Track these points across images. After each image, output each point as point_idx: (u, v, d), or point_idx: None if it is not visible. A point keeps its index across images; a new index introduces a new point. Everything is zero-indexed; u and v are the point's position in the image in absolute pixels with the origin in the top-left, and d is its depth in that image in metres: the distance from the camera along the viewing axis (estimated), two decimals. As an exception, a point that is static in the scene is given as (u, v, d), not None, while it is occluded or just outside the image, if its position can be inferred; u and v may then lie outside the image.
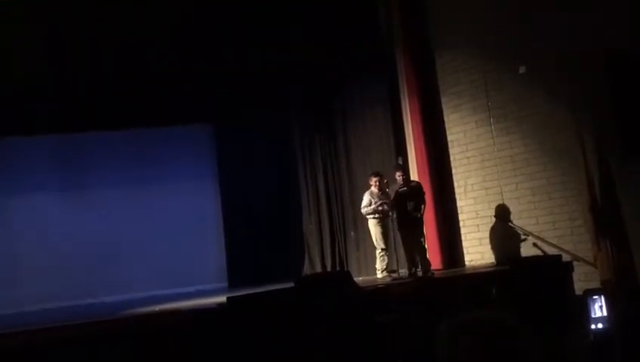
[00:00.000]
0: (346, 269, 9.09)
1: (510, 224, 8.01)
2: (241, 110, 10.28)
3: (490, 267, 7.92)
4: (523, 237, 7.94)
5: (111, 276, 9.88)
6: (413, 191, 7.64)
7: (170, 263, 10.15)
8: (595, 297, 3.89)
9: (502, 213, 8.16)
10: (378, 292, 6.32)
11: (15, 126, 9.44)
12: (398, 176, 7.72)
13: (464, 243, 8.51)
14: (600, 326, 3.79)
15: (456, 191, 8.64)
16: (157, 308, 7.11)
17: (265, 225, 10.23)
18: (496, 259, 8.11)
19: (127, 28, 8.64)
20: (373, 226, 7.90)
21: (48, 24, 8.36)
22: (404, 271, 7.73)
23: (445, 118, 8.74)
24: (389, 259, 7.87)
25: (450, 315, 1.52)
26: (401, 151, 8.79)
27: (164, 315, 6.69)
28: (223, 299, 6.23)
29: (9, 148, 9.98)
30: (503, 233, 8.18)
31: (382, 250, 7.89)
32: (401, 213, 7.62)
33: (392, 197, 7.78)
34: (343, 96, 9.91)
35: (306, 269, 9.86)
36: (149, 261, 10.13)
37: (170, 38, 8.90)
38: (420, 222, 7.67)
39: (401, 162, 8.47)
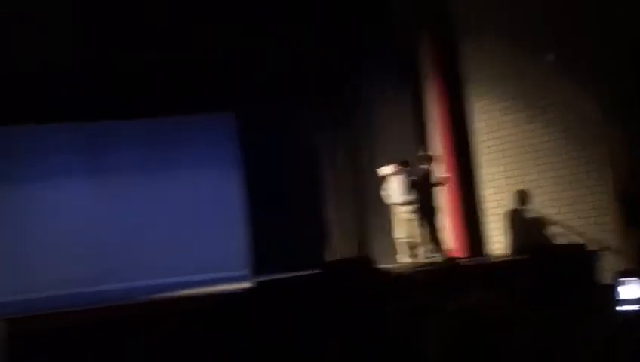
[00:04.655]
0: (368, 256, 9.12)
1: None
2: (263, 98, 10.33)
3: (511, 255, 7.92)
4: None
5: (134, 261, 10.04)
6: (424, 179, 7.71)
7: (192, 250, 10.28)
8: (623, 279, 3.88)
9: (521, 200, 8.15)
10: (397, 279, 6.34)
11: (42, 113, 9.63)
12: (420, 165, 7.77)
13: (487, 232, 8.52)
14: (630, 307, 3.77)
15: (480, 179, 8.63)
16: (178, 292, 7.20)
17: (287, 213, 10.27)
18: (513, 246, 8.10)
19: (152, 15, 8.70)
20: (394, 214, 7.95)
21: (73, 11, 8.43)
22: (426, 258, 7.77)
23: (469, 106, 8.71)
24: (414, 247, 7.88)
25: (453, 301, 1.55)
26: (424, 139, 8.80)
27: (189, 299, 6.78)
28: (245, 285, 6.29)
29: (35, 134, 10.19)
30: (523, 220, 8.17)
31: (401, 238, 7.93)
32: (419, 201, 7.69)
33: (411, 185, 7.84)
34: (366, 84, 9.90)
35: (328, 257, 9.91)
36: (171, 247, 10.27)
37: (193, 27, 8.95)
38: (433, 210, 7.73)
39: (423, 151, 8.48)
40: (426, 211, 7.68)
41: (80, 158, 10.34)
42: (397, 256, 8.12)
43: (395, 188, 8.05)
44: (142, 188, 10.53)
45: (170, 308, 6.17)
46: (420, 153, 8.33)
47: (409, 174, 8.00)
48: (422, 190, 7.71)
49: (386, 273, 2.56)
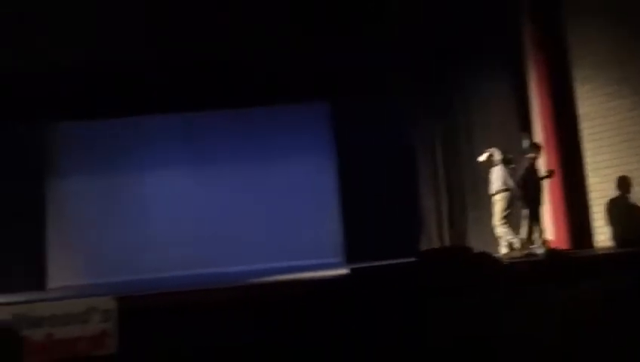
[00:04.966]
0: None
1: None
2: (357, 87, 10.32)
3: (616, 248, 7.52)
4: None
5: (230, 247, 10.38)
6: (530, 169, 7.47)
7: (287, 236, 10.50)
8: None
9: (623, 188, 7.71)
10: (499, 270, 6.15)
11: (150, 105, 10.16)
12: (526, 154, 7.56)
13: (594, 223, 8.10)
14: None
15: (586, 168, 8.21)
16: (274, 277, 7.34)
17: (381, 202, 10.23)
18: (616, 238, 7.68)
19: (245, 11, 8.84)
20: (495, 203, 7.77)
21: (179, 10, 8.70)
22: (526, 249, 7.54)
23: (575, 92, 8.29)
24: (513, 238, 7.67)
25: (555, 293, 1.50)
26: (527, 126, 8.46)
27: (285, 285, 6.89)
28: (339, 272, 6.32)
29: (143, 126, 10.77)
30: (626, 210, 7.70)
31: (501, 229, 7.74)
32: (523, 192, 7.47)
33: (510, 174, 7.64)
34: (463, 70, 9.63)
35: (423, 247, 9.79)
36: (266, 234, 10.54)
37: (286, 18, 9.03)
38: (537, 201, 7.46)
39: (527, 139, 8.15)
40: (529, 202, 7.42)
41: (184, 148, 10.81)
42: (497, 248, 7.91)
43: (494, 178, 7.84)
44: (238, 177, 10.87)
45: (267, 293, 6.31)
46: (526, 142, 7.98)
47: (509, 163, 7.77)
48: (527, 180, 7.44)
49: (493, 262, 2.44)
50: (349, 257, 10.08)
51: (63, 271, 10.29)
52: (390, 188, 10.29)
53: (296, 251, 10.34)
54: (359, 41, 9.47)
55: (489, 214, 8.41)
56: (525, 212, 7.52)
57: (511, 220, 7.71)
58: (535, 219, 7.41)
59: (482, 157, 7.99)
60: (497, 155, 7.86)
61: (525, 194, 7.46)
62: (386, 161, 10.36)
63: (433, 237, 9.90)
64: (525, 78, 8.65)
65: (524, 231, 7.54)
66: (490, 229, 8.29)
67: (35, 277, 10.02)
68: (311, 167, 10.92)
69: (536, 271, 5.90)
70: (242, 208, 10.71)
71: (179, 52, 9.41)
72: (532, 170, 7.51)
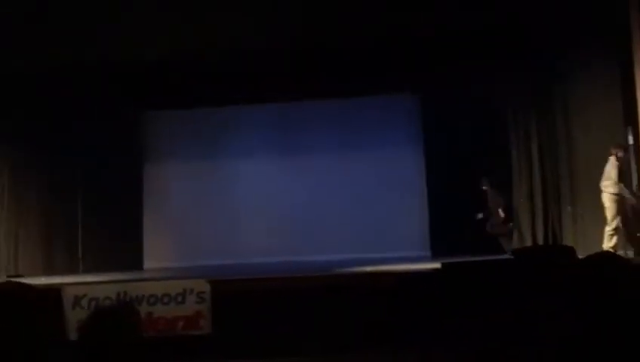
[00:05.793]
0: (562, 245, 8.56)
1: None
2: (448, 79, 10.09)
3: None
4: None
5: (317, 236, 10.47)
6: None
7: (373, 228, 10.46)
8: None
9: None
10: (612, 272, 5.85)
11: (240, 95, 10.40)
12: None
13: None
14: None
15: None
16: (367, 268, 7.34)
17: (470, 195, 9.96)
18: None
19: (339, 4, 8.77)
20: (607, 202, 7.42)
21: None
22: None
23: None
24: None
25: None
26: (632, 121, 7.96)
27: (375, 276, 6.88)
28: (427, 266, 6.24)
29: (235, 115, 11.06)
30: None
31: (611, 228, 7.38)
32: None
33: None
34: (563, 60, 9.16)
35: (515, 243, 9.46)
36: (353, 224, 10.55)
37: (377, 9, 8.90)
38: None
39: (631, 135, 7.69)
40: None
41: (272, 137, 11.02)
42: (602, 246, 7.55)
43: (607, 176, 7.46)
44: (327, 167, 10.94)
45: (357, 283, 6.33)
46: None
47: (621, 159, 7.40)
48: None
49: (621, 262, 2.23)
50: (436, 251, 9.92)
51: (157, 253, 10.76)
52: (480, 182, 9.99)
53: (383, 243, 10.30)
54: (450, 33, 9.24)
55: (586, 211, 8.02)
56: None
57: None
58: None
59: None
60: (619, 152, 7.47)
61: None
62: (477, 153, 10.07)
63: (525, 234, 9.54)
64: (631, 68, 8.13)
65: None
66: (588, 226, 7.92)
67: (132, 258, 10.52)
68: (400, 160, 10.82)
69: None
70: (329, 199, 10.78)
71: (270, 46, 9.53)
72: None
